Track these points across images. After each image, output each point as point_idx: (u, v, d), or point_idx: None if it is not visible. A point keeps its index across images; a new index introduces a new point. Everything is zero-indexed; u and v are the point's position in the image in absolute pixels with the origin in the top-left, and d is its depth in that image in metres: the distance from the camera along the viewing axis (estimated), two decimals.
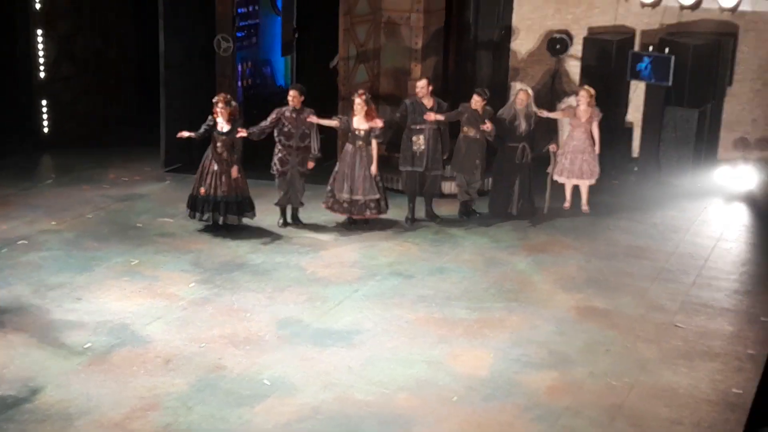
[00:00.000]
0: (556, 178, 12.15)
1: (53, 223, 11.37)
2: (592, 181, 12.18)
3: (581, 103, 11.98)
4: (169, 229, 11.33)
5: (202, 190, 10.96)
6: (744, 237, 11.60)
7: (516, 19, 14.51)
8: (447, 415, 7.49)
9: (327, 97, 14.68)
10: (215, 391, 7.73)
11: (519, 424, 7.40)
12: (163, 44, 13.23)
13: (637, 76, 13.38)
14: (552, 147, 11.92)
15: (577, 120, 12.00)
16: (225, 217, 11.04)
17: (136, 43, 15.70)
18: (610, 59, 13.60)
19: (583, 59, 13.90)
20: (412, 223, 11.73)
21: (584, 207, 12.23)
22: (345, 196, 11.23)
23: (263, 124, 11.26)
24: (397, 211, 11.83)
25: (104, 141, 14.73)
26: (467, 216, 11.94)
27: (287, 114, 11.20)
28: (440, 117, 11.49)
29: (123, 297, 9.41)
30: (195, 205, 11.08)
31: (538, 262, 10.63)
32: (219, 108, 10.90)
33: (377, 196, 11.34)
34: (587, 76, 13.77)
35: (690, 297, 9.79)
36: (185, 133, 11.03)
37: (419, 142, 11.56)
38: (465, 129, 11.71)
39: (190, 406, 7.49)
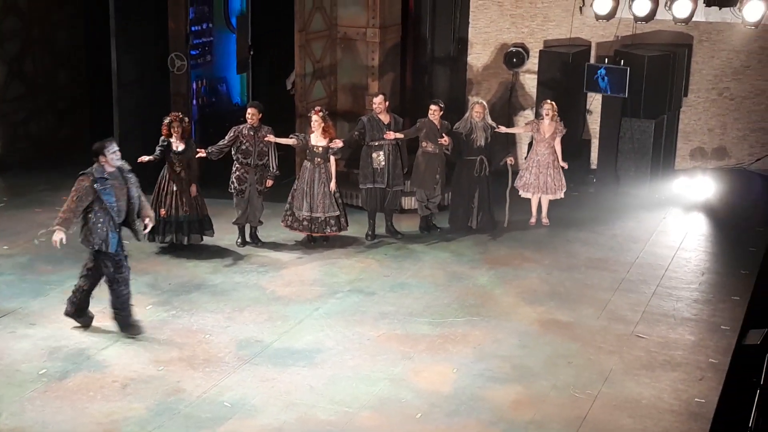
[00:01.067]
0: (522, 194, 12.14)
1: (5, 247, 11.14)
2: (560, 195, 12.19)
3: (545, 117, 11.99)
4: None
5: (162, 211, 10.81)
6: (703, 246, 11.67)
7: (472, 33, 14.55)
8: None
9: (284, 114, 14.60)
10: (174, 414, 7.58)
11: None
12: (116, 63, 13.10)
13: (593, 88, 13.45)
14: (509, 160, 11.90)
15: (540, 135, 12.01)
16: (188, 237, 10.92)
17: (88, 62, 15.49)
18: (566, 72, 13.67)
19: (540, 72, 13.95)
20: (372, 239, 11.66)
21: (544, 220, 12.24)
22: (305, 213, 11.14)
23: (221, 143, 11.14)
24: (357, 227, 11.75)
25: (57, 162, 14.47)
26: (428, 231, 11.90)
27: (245, 132, 11.10)
28: (399, 135, 11.47)
29: None
30: (154, 228, 10.90)
31: (499, 275, 10.60)
32: (174, 127, 10.76)
33: (337, 212, 11.26)
34: (544, 89, 13.83)
35: (651, 307, 9.81)
36: (145, 158, 10.88)
37: (379, 159, 11.51)
38: (424, 144, 11.69)
39: (149, 431, 7.33)
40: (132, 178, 8.81)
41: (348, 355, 8.65)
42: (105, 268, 8.76)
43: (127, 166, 8.83)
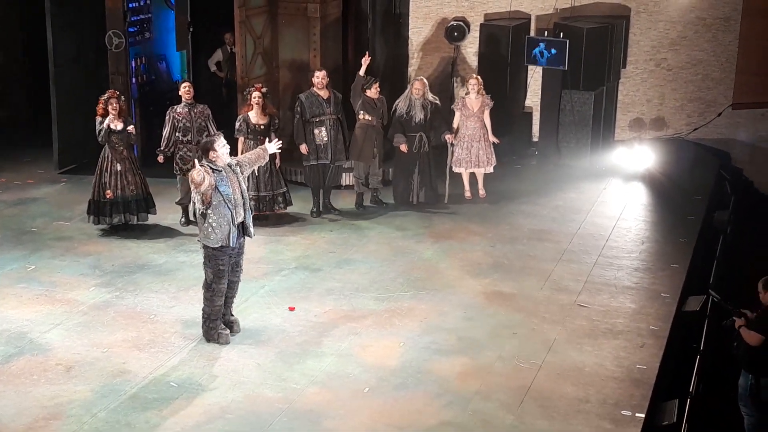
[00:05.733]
0: (455, 169, 12.18)
1: None
2: (490, 169, 12.26)
3: (471, 91, 12.01)
4: (66, 233, 11.01)
5: (109, 193, 10.68)
6: (642, 215, 11.86)
7: (412, 7, 14.52)
8: (358, 407, 7.46)
9: (222, 90, 14.49)
10: (120, 396, 7.54)
11: (430, 411, 7.41)
12: (52, 42, 12.85)
13: (534, 61, 13.54)
14: (448, 137, 11.92)
15: (468, 110, 12.03)
16: (137, 216, 10.84)
17: (24, 41, 15.17)
18: (506, 45, 13.73)
19: (480, 45, 14.00)
20: (317, 215, 11.65)
21: (481, 192, 12.29)
22: (251, 193, 11.07)
23: (164, 134, 11.01)
24: (301, 204, 11.73)
25: None
26: (363, 208, 11.90)
27: (179, 110, 10.99)
28: (368, 116, 11.51)
29: (20, 304, 9.11)
30: (100, 210, 10.79)
31: (444, 249, 10.67)
32: (111, 104, 10.61)
33: (284, 189, 11.25)
34: (484, 62, 13.89)
35: (593, 277, 9.96)
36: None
37: (321, 134, 11.48)
38: (361, 115, 11.64)
39: (94, 413, 7.29)
40: (239, 171, 8.34)
41: (295, 332, 8.66)
42: (210, 268, 8.31)
43: (234, 160, 8.44)
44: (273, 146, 8.86)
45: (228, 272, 8.34)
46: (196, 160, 8.26)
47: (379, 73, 12.80)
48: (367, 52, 11.81)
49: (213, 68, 14.66)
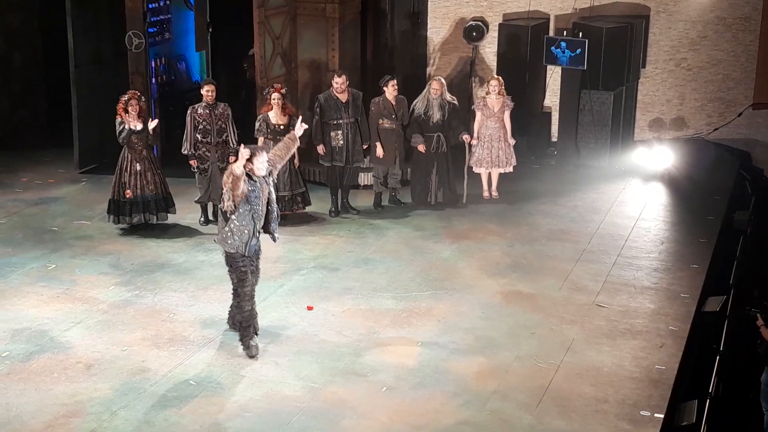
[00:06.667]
0: (475, 169, 12.17)
1: None
2: (510, 169, 12.25)
3: (492, 92, 12.00)
4: (86, 232, 11.08)
5: (128, 193, 10.74)
6: (662, 216, 11.81)
7: (431, 7, 14.55)
8: (376, 406, 7.46)
9: (241, 91, 14.53)
10: (140, 394, 7.57)
11: (448, 410, 7.40)
12: (72, 43, 12.94)
13: (553, 61, 13.51)
14: (465, 137, 11.91)
15: (489, 111, 12.02)
16: (156, 215, 10.90)
17: (44, 43, 15.28)
18: (525, 45, 13.71)
19: (499, 45, 13.99)
20: (336, 215, 11.67)
21: (494, 193, 12.28)
22: None
23: (188, 132, 11.04)
24: (319, 204, 11.75)
25: (14, 145, 14.31)
26: (381, 207, 11.91)
27: (200, 111, 11.03)
28: (379, 151, 11.56)
29: (40, 303, 9.17)
30: (120, 210, 10.85)
31: (462, 249, 10.66)
32: (131, 105, 10.66)
33: (303, 189, 11.29)
34: (503, 62, 13.87)
35: (611, 277, 9.93)
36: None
37: (338, 137, 11.50)
38: (380, 121, 11.69)
39: (114, 411, 7.32)
40: (271, 183, 8.16)
41: (313, 331, 8.68)
42: (233, 273, 8.19)
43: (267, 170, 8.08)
44: (300, 128, 8.60)
45: (251, 274, 8.26)
46: (243, 149, 7.88)
47: (398, 73, 12.80)
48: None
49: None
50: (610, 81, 13.43)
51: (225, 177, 7.98)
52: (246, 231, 8.00)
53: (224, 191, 7.97)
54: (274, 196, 8.19)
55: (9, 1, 14.69)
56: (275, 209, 8.20)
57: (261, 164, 7.94)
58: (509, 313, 9.09)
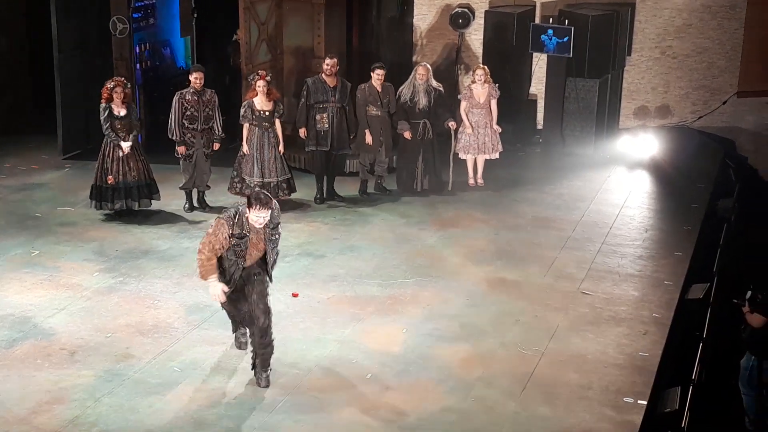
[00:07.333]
0: (461, 155, 12.18)
1: None
2: (496, 155, 12.26)
3: (478, 81, 11.98)
4: (70, 218, 11.03)
5: (110, 179, 10.69)
6: (646, 203, 11.85)
7: None
8: (361, 393, 7.46)
9: (228, 76, 14.45)
10: (124, 380, 7.56)
11: (432, 397, 7.42)
12: (56, 28, 12.85)
13: (539, 48, 13.51)
14: (450, 124, 11.90)
15: (475, 100, 12.01)
16: (138, 202, 10.85)
17: (29, 28, 15.17)
18: (511, 32, 13.70)
19: (485, 33, 13.97)
20: (321, 202, 11.66)
21: (479, 180, 12.29)
22: (256, 179, 11.06)
23: (172, 118, 10.97)
24: (304, 190, 11.73)
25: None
26: (367, 194, 11.90)
27: (188, 98, 10.99)
28: (368, 138, 11.50)
29: (24, 289, 9.13)
30: (102, 195, 10.80)
31: (447, 236, 10.67)
32: (116, 92, 10.61)
33: (288, 175, 11.26)
34: (489, 49, 13.86)
35: (596, 264, 9.96)
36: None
37: (323, 120, 11.47)
38: (368, 108, 11.65)
39: (97, 398, 7.30)
40: (275, 235, 7.48)
41: (298, 318, 8.67)
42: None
43: (276, 219, 7.42)
44: None
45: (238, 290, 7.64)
46: (222, 218, 7.32)
47: (384, 59, 12.76)
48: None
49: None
50: (596, 69, 13.45)
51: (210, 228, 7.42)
52: (227, 273, 7.51)
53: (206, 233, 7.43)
54: (271, 247, 7.50)
55: None
56: (270, 261, 7.60)
57: (257, 219, 7.22)
58: (494, 300, 9.10)
